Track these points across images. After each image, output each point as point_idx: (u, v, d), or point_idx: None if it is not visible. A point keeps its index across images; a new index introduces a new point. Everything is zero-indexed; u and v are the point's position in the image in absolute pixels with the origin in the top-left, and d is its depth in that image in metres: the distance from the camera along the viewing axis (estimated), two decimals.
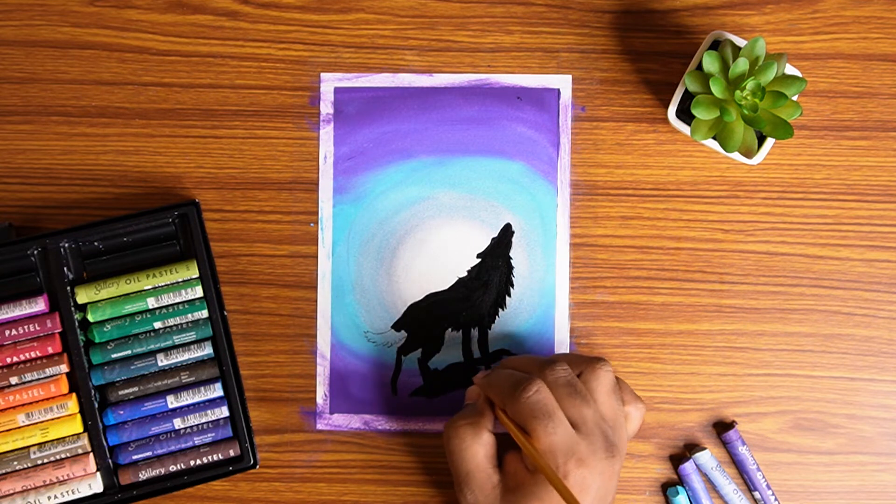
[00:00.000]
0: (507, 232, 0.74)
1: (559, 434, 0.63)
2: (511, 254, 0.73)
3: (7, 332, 0.70)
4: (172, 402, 0.71)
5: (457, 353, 0.73)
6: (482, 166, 0.74)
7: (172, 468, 0.70)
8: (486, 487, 0.65)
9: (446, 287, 0.74)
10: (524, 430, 0.64)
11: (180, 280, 0.71)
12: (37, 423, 0.70)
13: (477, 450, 0.65)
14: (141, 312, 0.71)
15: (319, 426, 0.73)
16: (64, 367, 0.70)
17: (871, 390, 0.73)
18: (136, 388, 0.70)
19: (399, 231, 0.74)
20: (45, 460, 0.70)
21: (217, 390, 0.71)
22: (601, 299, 0.73)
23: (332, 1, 0.74)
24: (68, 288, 0.70)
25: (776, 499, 0.72)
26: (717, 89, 0.66)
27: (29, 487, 0.69)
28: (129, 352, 0.70)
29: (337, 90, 0.74)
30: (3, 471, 0.69)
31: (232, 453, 0.71)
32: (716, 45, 0.69)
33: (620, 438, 0.65)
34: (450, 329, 0.73)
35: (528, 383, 0.64)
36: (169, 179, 0.74)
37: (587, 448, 0.63)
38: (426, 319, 0.73)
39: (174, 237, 0.72)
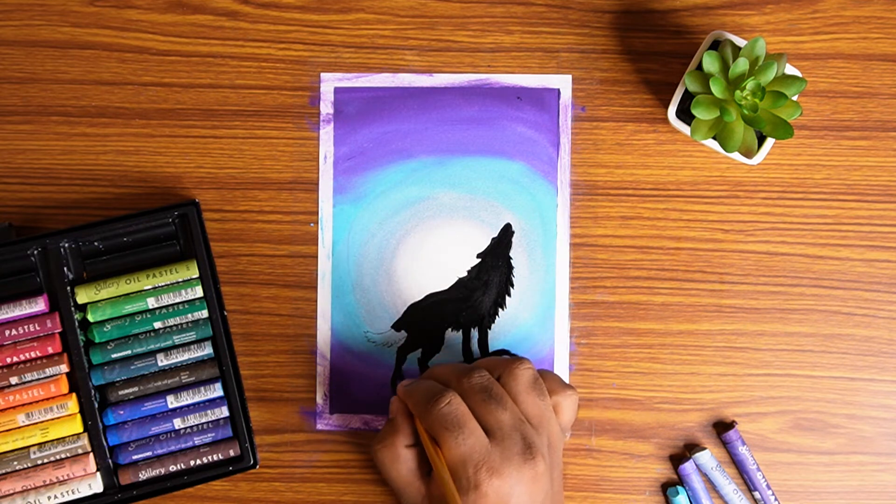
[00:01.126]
0: (507, 232, 0.74)
1: (468, 444, 0.62)
2: (511, 254, 0.73)
3: (7, 332, 0.70)
4: (172, 402, 0.71)
5: (457, 353, 0.73)
6: (482, 166, 0.74)
7: (172, 468, 0.70)
8: (417, 500, 0.65)
9: (446, 287, 0.74)
10: (437, 443, 0.64)
11: (180, 280, 0.71)
12: (37, 423, 0.70)
13: (398, 468, 0.65)
14: (141, 312, 0.71)
15: (319, 426, 0.73)
16: (64, 367, 0.70)
17: (871, 390, 0.73)
18: (136, 388, 0.71)
19: (399, 231, 0.74)
20: (45, 460, 0.70)
21: (217, 390, 0.71)
22: (601, 299, 0.73)
23: (332, 1, 0.74)
24: (68, 288, 0.70)
25: (776, 499, 0.72)
26: (717, 89, 0.66)
27: (29, 487, 0.69)
28: (129, 352, 0.70)
29: (337, 90, 0.74)
30: (3, 471, 0.69)
31: (232, 453, 0.71)
32: (716, 45, 0.69)
33: (546, 437, 0.64)
34: (450, 329, 0.73)
35: (440, 396, 0.64)
36: (169, 179, 0.74)
37: (500, 455, 0.62)
38: (426, 319, 0.73)
39: (174, 237, 0.72)
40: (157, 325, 0.71)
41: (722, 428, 0.73)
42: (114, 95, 0.74)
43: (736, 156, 0.70)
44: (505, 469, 0.62)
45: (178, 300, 0.71)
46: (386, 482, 0.67)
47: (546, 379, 0.67)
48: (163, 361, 0.71)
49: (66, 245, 0.71)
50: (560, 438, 0.65)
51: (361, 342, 0.73)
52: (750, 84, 0.65)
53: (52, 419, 0.70)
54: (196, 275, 0.71)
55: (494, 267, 0.74)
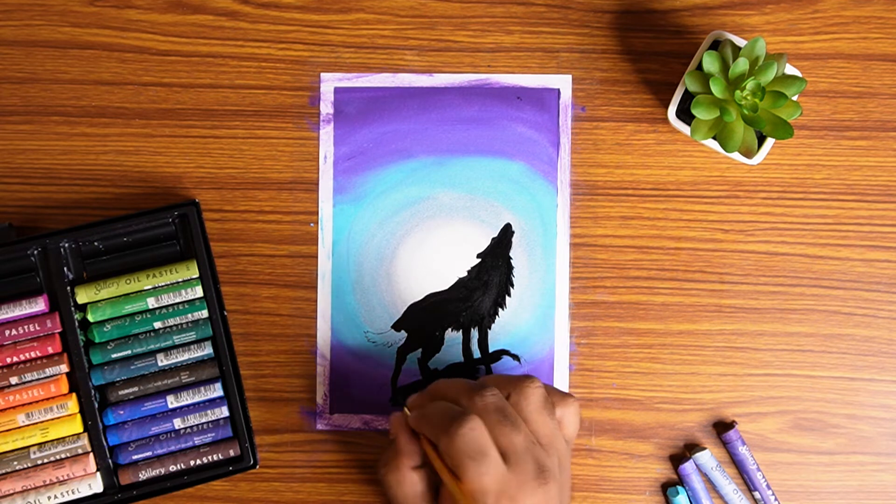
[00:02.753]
0: (507, 232, 0.74)
1: (491, 474, 0.61)
2: (511, 254, 0.73)
3: (7, 332, 0.70)
4: (172, 402, 0.71)
5: (457, 353, 0.73)
6: (482, 166, 0.74)
7: (172, 468, 0.70)
8: None
9: (446, 287, 0.74)
10: (450, 468, 0.63)
11: (180, 280, 0.71)
12: (37, 423, 0.70)
13: (405, 491, 0.65)
14: (141, 312, 0.71)
15: (319, 426, 0.73)
16: (64, 367, 0.70)
17: (871, 390, 0.73)
18: (136, 388, 0.71)
19: (399, 231, 0.74)
20: (45, 460, 0.70)
21: (217, 390, 0.71)
22: (601, 299, 0.73)
23: (332, 1, 0.74)
24: (68, 288, 0.70)
25: (776, 499, 0.72)
26: (717, 89, 0.66)
27: (29, 487, 0.69)
28: (129, 352, 0.70)
29: (337, 90, 0.74)
30: (3, 471, 0.69)
31: (232, 453, 0.71)
32: (716, 45, 0.69)
33: (555, 457, 0.63)
34: (450, 329, 0.73)
35: (461, 420, 0.62)
36: (169, 179, 0.74)
37: (517, 482, 0.61)
38: (426, 319, 0.73)
39: (174, 237, 0.72)
40: (157, 325, 0.71)
41: (722, 428, 0.73)
42: (114, 95, 0.74)
43: (736, 156, 0.70)
44: (520, 496, 0.61)
45: (178, 300, 0.71)
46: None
47: (549, 393, 0.66)
48: (163, 361, 0.71)
49: (66, 245, 0.71)
50: (568, 456, 0.65)
51: (361, 342, 0.73)
52: (750, 84, 0.65)
53: (52, 419, 0.70)
54: (196, 275, 0.71)
55: (494, 267, 0.74)
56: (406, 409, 0.66)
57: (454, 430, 0.62)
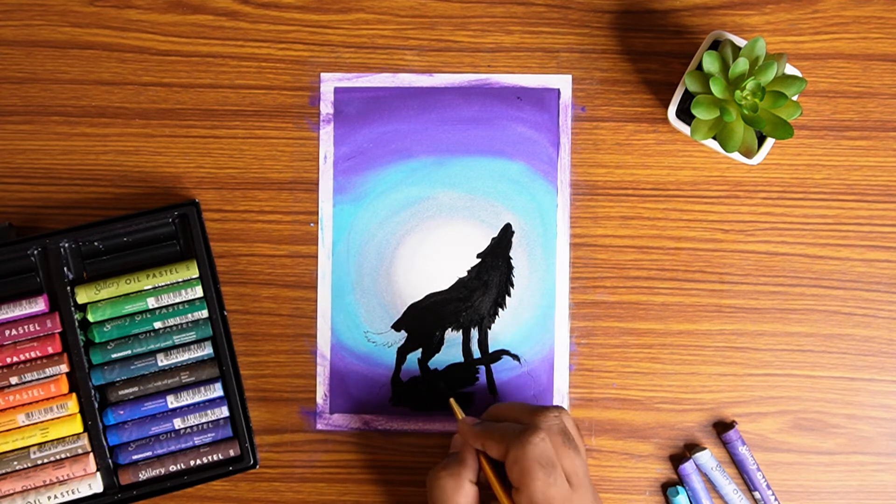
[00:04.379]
0: (507, 232, 0.74)
1: (558, 486, 0.62)
2: (511, 254, 0.73)
3: (7, 332, 0.70)
4: (172, 402, 0.71)
5: (457, 353, 0.73)
6: (482, 166, 0.74)
7: (172, 468, 0.70)
8: None
9: (446, 287, 0.74)
10: (505, 484, 0.64)
11: (180, 280, 0.71)
12: (37, 423, 0.70)
13: (458, 500, 0.65)
14: (141, 312, 0.71)
15: (319, 426, 0.73)
16: (64, 367, 0.70)
17: (871, 390, 0.73)
18: (136, 388, 0.71)
19: (399, 231, 0.74)
20: (45, 460, 0.70)
21: (217, 390, 0.71)
22: (601, 299, 0.73)
23: (332, 1, 0.74)
24: (68, 288, 0.70)
25: (776, 499, 0.72)
26: (717, 89, 0.66)
27: (29, 487, 0.69)
28: (129, 352, 0.70)
29: (337, 90, 0.74)
30: (3, 471, 0.69)
31: (232, 453, 0.71)
32: (716, 45, 0.69)
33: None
34: (450, 329, 0.73)
35: (534, 431, 0.63)
36: (169, 179, 0.74)
37: (579, 502, 0.63)
38: (426, 319, 0.73)
39: (174, 237, 0.72)
40: (157, 325, 0.71)
41: (722, 428, 0.73)
42: (114, 95, 0.74)
43: (736, 156, 0.70)
44: None
45: (178, 300, 0.71)
46: None
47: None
48: (163, 361, 0.71)
49: (66, 245, 0.71)
50: None
51: (361, 342, 0.73)
52: (750, 84, 0.65)
53: (52, 419, 0.70)
54: (196, 275, 0.71)
55: (494, 267, 0.74)
56: (466, 421, 0.67)
57: (526, 439, 0.63)
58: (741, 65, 0.65)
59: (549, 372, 0.73)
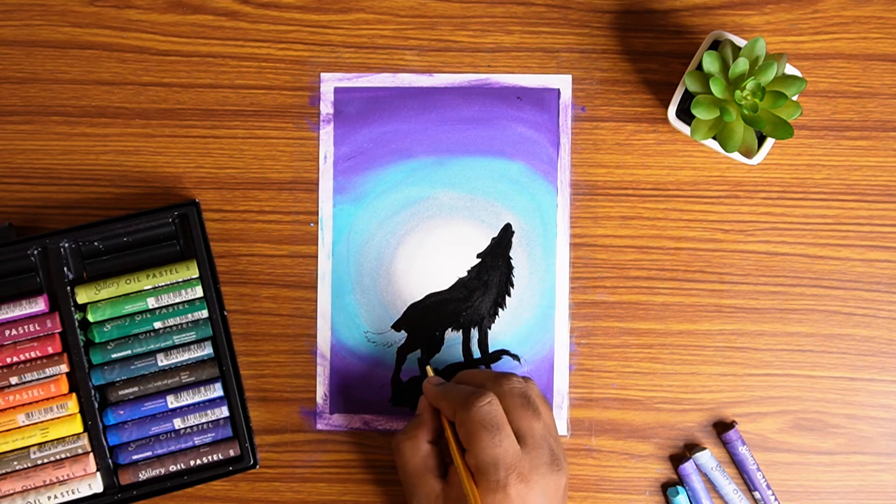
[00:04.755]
0: (507, 232, 0.74)
1: (504, 446, 0.63)
2: (511, 254, 0.73)
3: (7, 332, 0.70)
4: (172, 402, 0.71)
5: (457, 353, 0.73)
6: (482, 166, 0.74)
7: (172, 468, 0.70)
8: (429, 496, 0.66)
9: (446, 287, 0.74)
10: (461, 446, 0.65)
11: (180, 280, 0.71)
12: (37, 423, 0.70)
13: (416, 462, 0.66)
14: (141, 312, 0.71)
15: (319, 426, 0.73)
16: (64, 367, 0.70)
17: (871, 390, 0.73)
18: (136, 388, 0.71)
19: (399, 231, 0.74)
20: (45, 460, 0.70)
21: (217, 390, 0.71)
22: (601, 299, 0.73)
23: (332, 1, 0.74)
24: (68, 288, 0.70)
25: (776, 499, 0.72)
26: (717, 89, 0.66)
27: (29, 487, 0.69)
28: (129, 352, 0.70)
29: (337, 90, 0.74)
30: (3, 471, 0.69)
31: (232, 453, 0.71)
32: (716, 45, 0.69)
33: (563, 452, 0.66)
34: (450, 329, 0.73)
35: (481, 394, 0.64)
36: (169, 179, 0.74)
37: (530, 463, 0.63)
38: (426, 319, 0.73)
39: (174, 237, 0.72)
40: (157, 325, 0.71)
41: (722, 428, 0.73)
42: (114, 95, 0.74)
43: (736, 156, 0.70)
44: (532, 477, 0.63)
45: (178, 300, 0.71)
46: (401, 474, 0.67)
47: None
48: (163, 361, 0.71)
49: (66, 245, 0.71)
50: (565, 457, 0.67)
51: (361, 342, 0.73)
52: (750, 84, 0.65)
53: (52, 419, 0.70)
54: (196, 275, 0.71)
55: (494, 267, 0.74)
56: (430, 381, 0.69)
57: (471, 403, 0.64)
58: (741, 65, 0.65)
59: (549, 372, 0.73)
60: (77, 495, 0.69)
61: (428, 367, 0.71)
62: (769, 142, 0.69)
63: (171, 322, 0.71)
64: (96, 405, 0.70)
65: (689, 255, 0.73)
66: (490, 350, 0.73)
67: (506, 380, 0.66)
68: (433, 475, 0.66)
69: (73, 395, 0.70)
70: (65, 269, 0.71)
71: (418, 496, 0.66)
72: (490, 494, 0.62)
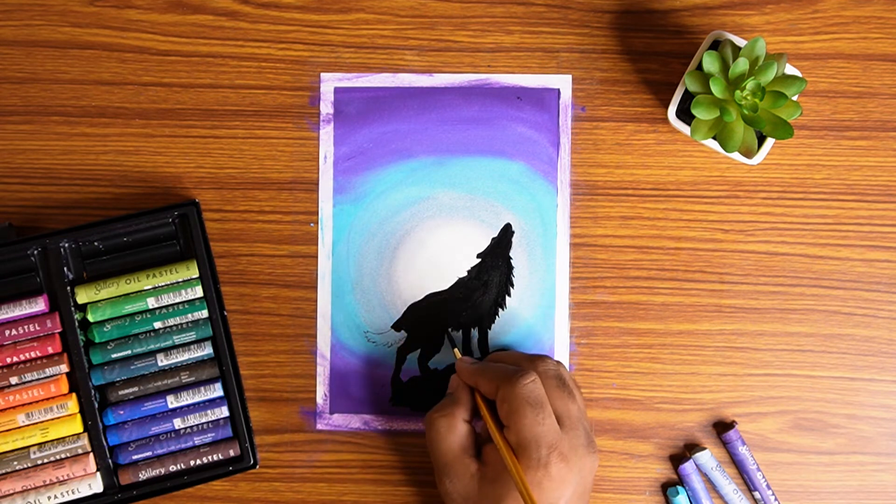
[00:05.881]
0: (507, 232, 0.74)
1: (547, 425, 0.64)
2: (511, 254, 0.73)
3: (7, 332, 0.70)
4: (172, 402, 0.71)
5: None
6: (482, 166, 0.74)
7: (172, 468, 0.70)
8: (464, 476, 0.66)
9: (446, 287, 0.74)
10: (500, 424, 0.65)
11: (180, 280, 0.71)
12: (37, 423, 0.70)
13: (452, 440, 0.67)
14: (141, 312, 0.71)
15: (319, 426, 0.73)
16: (64, 367, 0.70)
17: (871, 390, 0.73)
18: (136, 388, 0.71)
19: (399, 231, 0.74)
20: (45, 460, 0.70)
21: (217, 390, 0.71)
22: (601, 299, 0.73)
23: (332, 1, 0.74)
24: (68, 288, 0.70)
25: (776, 499, 0.72)
26: (717, 89, 0.66)
27: (29, 487, 0.69)
28: (129, 352, 0.70)
29: (337, 90, 0.74)
30: (3, 471, 0.69)
31: (232, 453, 0.71)
32: (716, 45, 0.69)
33: (594, 435, 0.67)
34: (450, 329, 0.73)
35: (526, 372, 0.65)
36: (169, 179, 0.74)
37: (569, 443, 0.64)
38: (426, 319, 0.73)
39: (174, 237, 0.72)
40: (157, 325, 0.71)
41: (722, 428, 0.73)
42: (114, 95, 0.74)
43: (736, 156, 0.70)
44: (571, 457, 0.64)
45: (178, 300, 0.71)
46: (433, 453, 0.67)
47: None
48: (163, 361, 0.71)
49: (66, 245, 0.71)
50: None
51: (361, 342, 0.73)
52: (750, 84, 0.65)
53: (52, 419, 0.70)
54: (196, 275, 0.71)
55: (494, 267, 0.74)
56: (464, 360, 0.69)
57: (516, 379, 0.65)
58: (741, 65, 0.65)
59: None
60: (77, 495, 0.69)
61: (455, 350, 0.71)
62: (769, 142, 0.69)
63: (171, 322, 0.71)
64: (96, 405, 0.70)
65: (689, 255, 0.73)
66: (490, 350, 0.73)
67: (541, 361, 0.67)
68: (468, 454, 0.66)
69: (73, 395, 0.70)
70: (65, 269, 0.71)
71: (451, 475, 0.66)
72: (531, 472, 0.63)
